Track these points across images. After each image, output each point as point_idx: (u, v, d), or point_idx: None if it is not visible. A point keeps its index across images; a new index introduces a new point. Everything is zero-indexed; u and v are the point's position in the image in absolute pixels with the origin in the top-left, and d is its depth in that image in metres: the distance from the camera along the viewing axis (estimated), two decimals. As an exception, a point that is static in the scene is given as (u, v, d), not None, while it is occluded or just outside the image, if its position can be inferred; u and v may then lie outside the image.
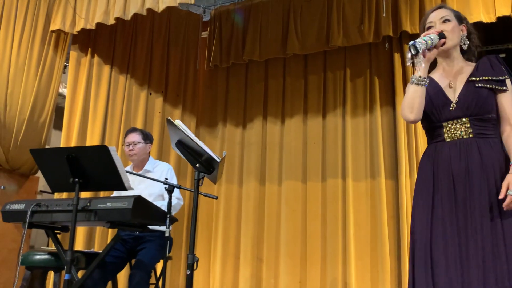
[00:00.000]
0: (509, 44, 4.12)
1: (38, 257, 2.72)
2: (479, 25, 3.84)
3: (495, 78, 1.76)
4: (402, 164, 3.95)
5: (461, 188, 1.71)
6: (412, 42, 1.72)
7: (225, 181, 4.65)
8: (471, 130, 1.75)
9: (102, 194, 3.81)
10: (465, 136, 1.76)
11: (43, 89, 4.44)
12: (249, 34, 4.70)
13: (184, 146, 2.07)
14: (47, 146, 5.36)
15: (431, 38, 1.74)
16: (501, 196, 1.64)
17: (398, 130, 4.06)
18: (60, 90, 5.25)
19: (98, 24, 4.08)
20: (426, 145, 1.93)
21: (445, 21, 1.84)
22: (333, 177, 4.31)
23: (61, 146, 4.22)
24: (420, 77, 1.76)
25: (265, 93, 4.77)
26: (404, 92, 4.23)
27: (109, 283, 3.02)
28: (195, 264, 1.99)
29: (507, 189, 1.64)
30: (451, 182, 1.74)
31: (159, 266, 2.96)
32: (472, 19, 3.63)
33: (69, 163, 2.31)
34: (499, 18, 3.56)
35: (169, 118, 2.08)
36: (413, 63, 1.76)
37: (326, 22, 4.41)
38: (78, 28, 4.18)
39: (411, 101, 1.78)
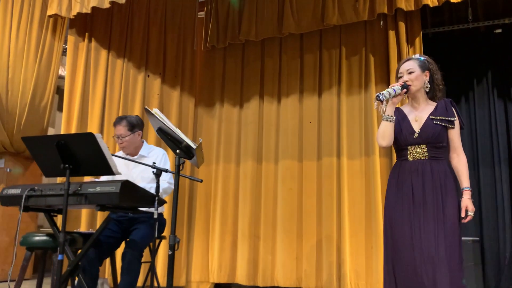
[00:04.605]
0: (506, 19, 4.06)
1: (37, 238, 2.86)
2: (477, 0, 3.80)
3: (447, 118, 2.41)
4: (395, 142, 3.98)
5: (418, 197, 2.33)
6: (377, 94, 2.31)
7: (222, 160, 4.73)
8: (427, 154, 2.39)
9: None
10: (422, 158, 2.39)
11: (43, 73, 4.53)
12: (245, 14, 4.70)
13: (164, 133, 2.15)
14: (51, 129, 5.49)
15: (394, 90, 2.34)
16: (463, 215, 2.30)
17: (392, 108, 4.06)
18: (63, 73, 5.33)
19: (94, 8, 4.14)
20: None
21: (410, 72, 2.46)
22: (328, 156, 4.36)
23: (62, 128, 4.34)
24: (388, 115, 2.40)
25: (261, 73, 4.80)
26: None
27: (108, 260, 3.19)
28: (176, 245, 2.09)
29: (466, 210, 2.30)
30: (410, 191, 2.36)
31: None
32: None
33: (59, 149, 2.42)
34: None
35: (146, 107, 2.15)
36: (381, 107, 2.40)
37: (321, 0, 4.39)
38: (74, 12, 4.24)
39: (383, 133, 2.41)
